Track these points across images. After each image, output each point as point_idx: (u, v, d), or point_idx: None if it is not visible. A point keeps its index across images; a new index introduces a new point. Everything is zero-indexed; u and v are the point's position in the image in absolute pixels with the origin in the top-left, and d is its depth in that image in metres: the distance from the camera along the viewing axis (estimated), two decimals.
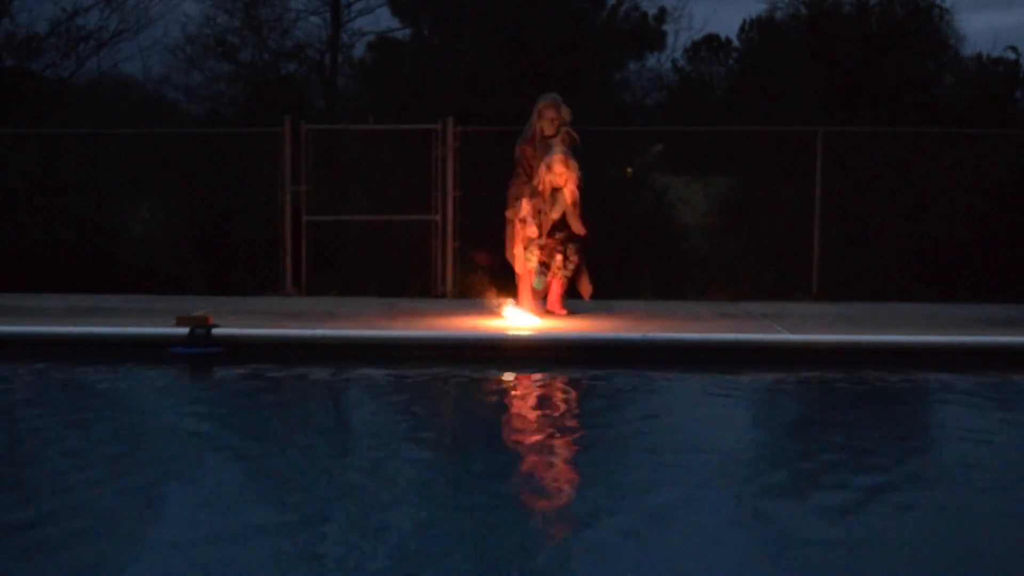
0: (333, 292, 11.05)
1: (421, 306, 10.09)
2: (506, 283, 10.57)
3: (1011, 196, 11.57)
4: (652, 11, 16.69)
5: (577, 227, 9.18)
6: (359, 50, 17.19)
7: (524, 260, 9.25)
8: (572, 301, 9.49)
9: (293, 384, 7.26)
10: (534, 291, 9.29)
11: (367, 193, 11.87)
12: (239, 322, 8.62)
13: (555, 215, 9.17)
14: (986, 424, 6.50)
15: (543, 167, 9.11)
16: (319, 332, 8.39)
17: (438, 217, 11.17)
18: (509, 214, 9.41)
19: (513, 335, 8.40)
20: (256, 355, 7.93)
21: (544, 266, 9.23)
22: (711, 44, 24.19)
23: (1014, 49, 16.61)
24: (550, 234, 9.20)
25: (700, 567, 4.04)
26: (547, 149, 9.23)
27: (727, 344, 8.17)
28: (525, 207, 9.14)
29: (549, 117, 9.32)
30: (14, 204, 11.82)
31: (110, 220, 12.25)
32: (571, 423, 6.56)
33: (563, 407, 7.02)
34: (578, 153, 9.31)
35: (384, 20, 17.43)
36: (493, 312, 9.21)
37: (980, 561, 4.15)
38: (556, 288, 9.34)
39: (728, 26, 34.36)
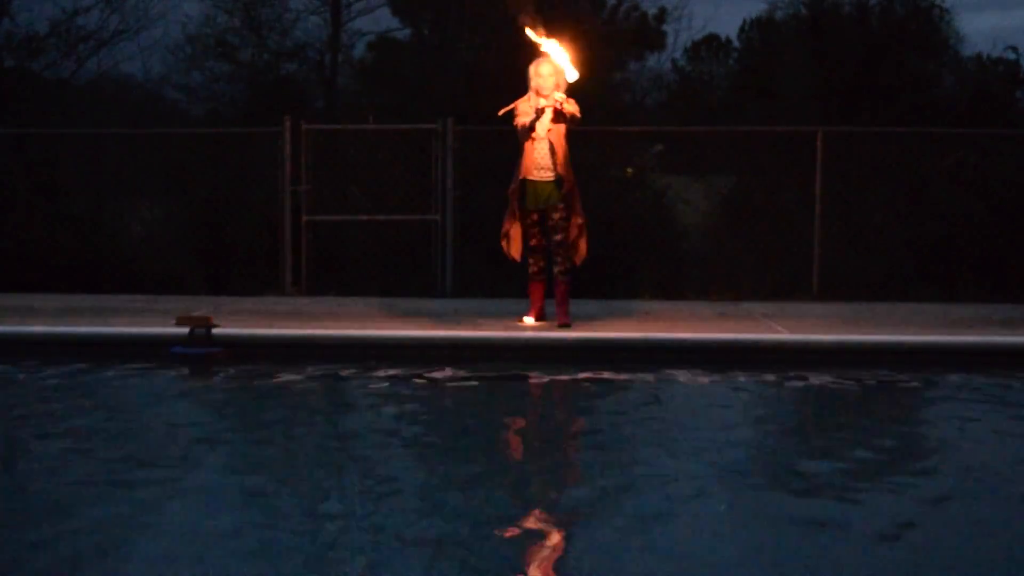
0: (333, 292, 11.04)
1: (421, 306, 10.08)
2: (505, 282, 10.59)
3: (1011, 196, 11.57)
4: (652, 11, 16.73)
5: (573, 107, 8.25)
6: (359, 50, 17.23)
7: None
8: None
9: (293, 384, 7.25)
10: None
11: (367, 193, 11.85)
12: (239, 322, 8.62)
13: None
14: (987, 424, 6.49)
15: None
16: (319, 332, 8.39)
17: (438, 217, 11.18)
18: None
19: (512, 336, 8.39)
20: (256, 355, 7.94)
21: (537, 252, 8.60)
22: (711, 44, 24.21)
23: (1014, 49, 16.62)
24: (548, 215, 8.47)
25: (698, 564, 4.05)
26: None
27: (727, 344, 8.17)
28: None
29: (547, 73, 8.31)
30: (14, 204, 11.82)
31: (110, 220, 12.24)
32: (571, 424, 6.58)
33: (563, 408, 7.03)
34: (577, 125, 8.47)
35: (384, 20, 17.47)
36: (493, 313, 9.18)
37: (985, 557, 4.16)
38: (559, 292, 8.63)
39: (728, 26, 34.38)
